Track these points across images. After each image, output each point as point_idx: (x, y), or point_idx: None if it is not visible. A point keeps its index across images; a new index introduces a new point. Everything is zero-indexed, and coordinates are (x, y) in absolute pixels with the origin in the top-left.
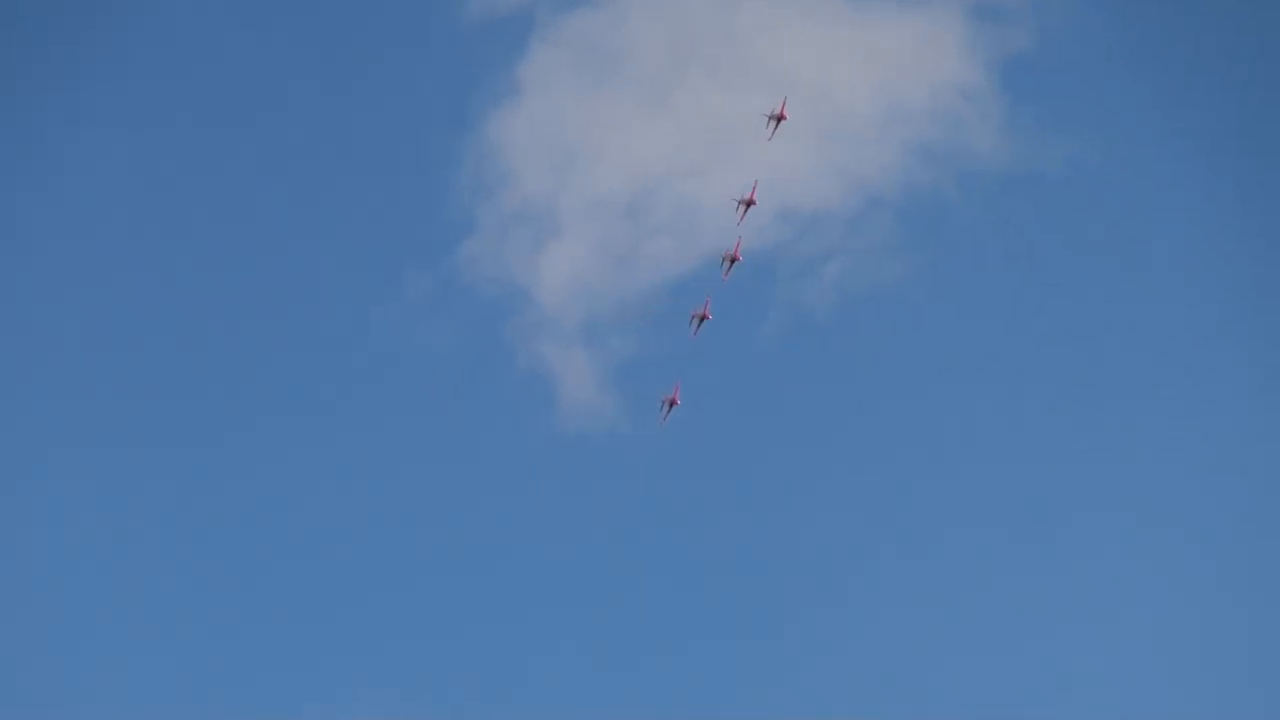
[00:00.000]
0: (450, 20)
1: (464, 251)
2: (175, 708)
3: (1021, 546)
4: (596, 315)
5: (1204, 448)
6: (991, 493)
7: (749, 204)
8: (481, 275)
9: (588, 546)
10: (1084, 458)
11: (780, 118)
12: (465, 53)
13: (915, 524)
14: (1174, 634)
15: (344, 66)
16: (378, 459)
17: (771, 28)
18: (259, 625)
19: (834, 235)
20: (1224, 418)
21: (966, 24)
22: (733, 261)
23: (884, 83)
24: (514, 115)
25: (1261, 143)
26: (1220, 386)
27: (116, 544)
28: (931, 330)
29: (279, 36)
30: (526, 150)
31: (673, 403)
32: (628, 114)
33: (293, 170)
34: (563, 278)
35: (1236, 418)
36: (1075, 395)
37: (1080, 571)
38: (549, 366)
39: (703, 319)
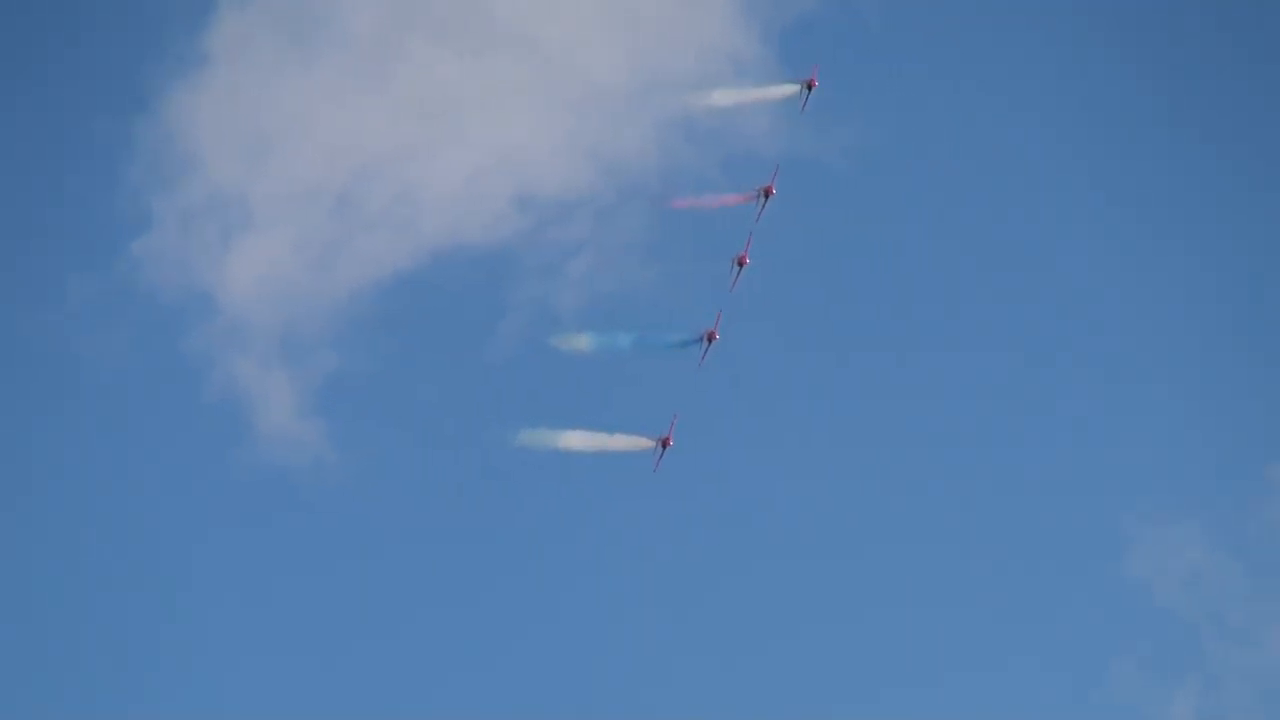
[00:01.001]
0: None
1: (138, 251)
2: None
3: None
4: (298, 324)
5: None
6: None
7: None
8: (160, 279)
9: (288, 592)
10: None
11: (811, 85)
12: (138, 17)
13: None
14: None
15: None
16: (33, 495)
17: None
18: None
19: (582, 226)
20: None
21: None
22: (710, 340)
23: (643, 50)
24: (198, 91)
25: (1061, 131)
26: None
27: None
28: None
29: None
30: (213, 132)
31: (666, 443)
32: (336, 88)
33: None
34: (257, 281)
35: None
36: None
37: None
38: (241, 385)
39: (710, 339)
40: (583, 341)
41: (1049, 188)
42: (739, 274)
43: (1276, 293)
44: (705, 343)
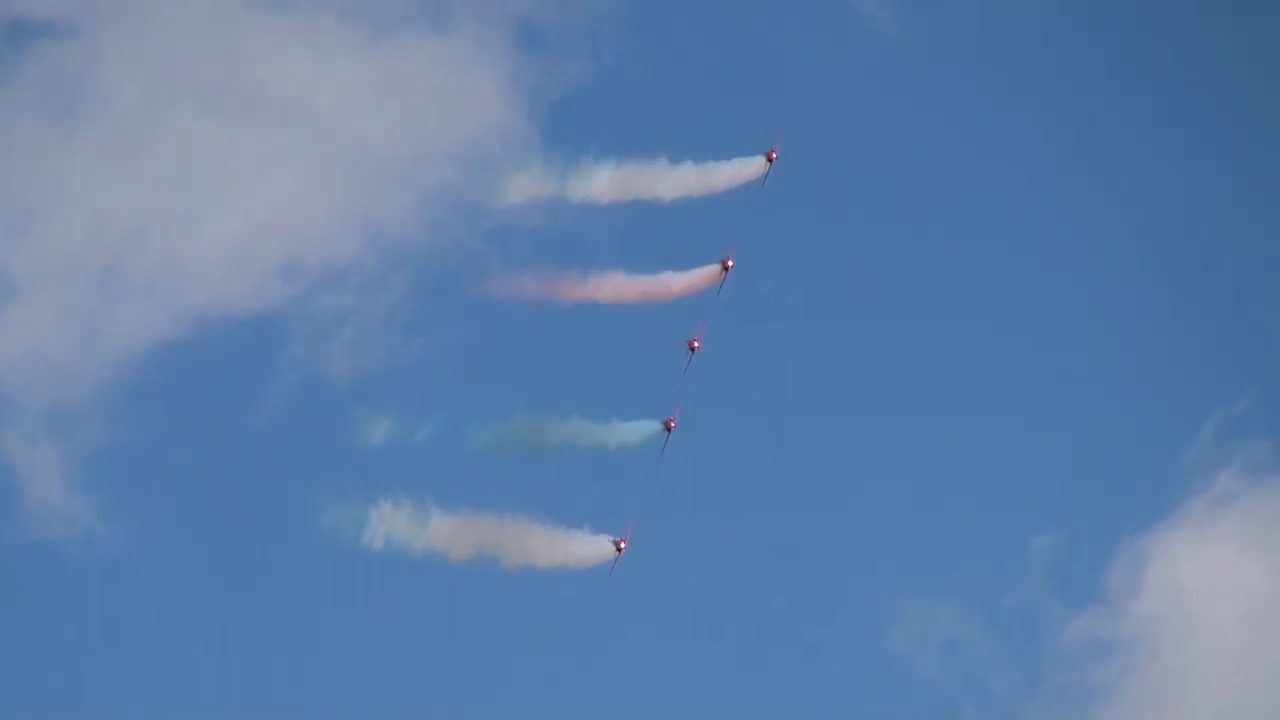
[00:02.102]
0: None
1: None
2: None
3: None
4: (64, 397)
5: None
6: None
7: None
8: None
9: (61, 668)
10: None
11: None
12: None
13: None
14: None
15: None
16: None
17: (279, 57)
18: None
19: (350, 296)
20: None
21: (511, 54)
22: (669, 430)
23: (411, 120)
24: None
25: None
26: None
27: None
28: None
29: None
30: None
31: (620, 545)
32: (100, 159)
33: None
34: (21, 354)
35: None
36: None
37: None
38: (7, 460)
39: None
40: (381, 428)
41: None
42: (690, 359)
43: (1044, 359)
44: (666, 431)
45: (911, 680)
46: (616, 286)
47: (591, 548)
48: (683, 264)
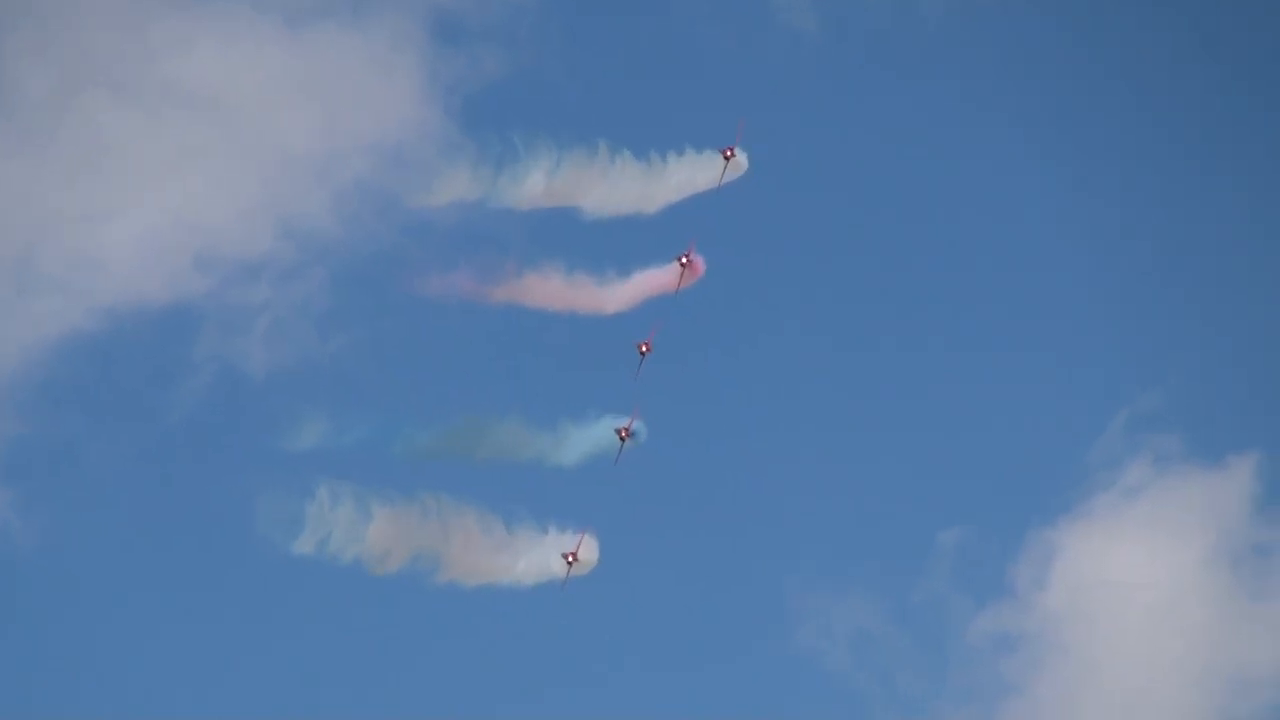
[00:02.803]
0: None
1: None
2: None
3: None
4: None
5: None
6: None
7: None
8: None
9: None
10: None
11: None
12: None
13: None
14: None
15: None
16: None
17: (193, 48)
18: None
19: (263, 291)
20: None
21: (429, 47)
22: (625, 437)
23: (328, 114)
24: None
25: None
26: None
27: None
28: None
29: None
30: None
31: (571, 558)
32: (8, 151)
33: None
34: None
35: None
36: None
37: None
38: None
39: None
40: (312, 429)
41: None
42: (643, 362)
43: (955, 354)
44: (620, 440)
45: (822, 675)
46: (552, 289)
47: (538, 560)
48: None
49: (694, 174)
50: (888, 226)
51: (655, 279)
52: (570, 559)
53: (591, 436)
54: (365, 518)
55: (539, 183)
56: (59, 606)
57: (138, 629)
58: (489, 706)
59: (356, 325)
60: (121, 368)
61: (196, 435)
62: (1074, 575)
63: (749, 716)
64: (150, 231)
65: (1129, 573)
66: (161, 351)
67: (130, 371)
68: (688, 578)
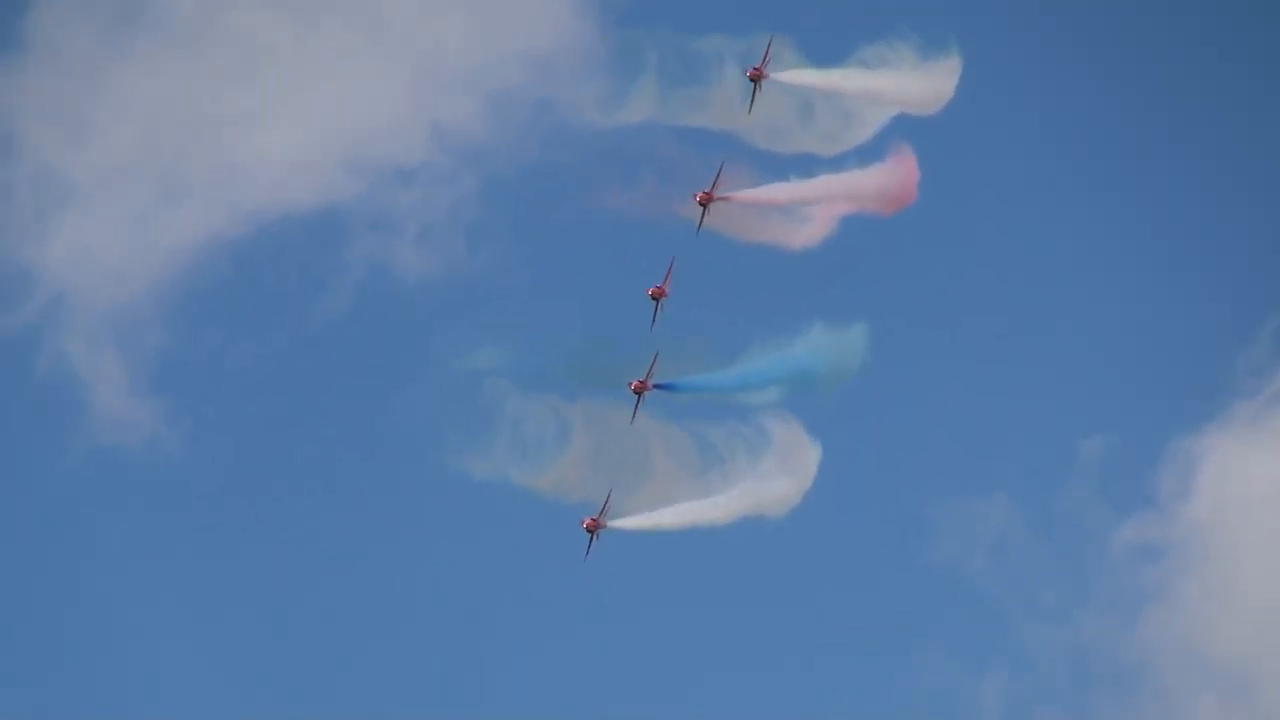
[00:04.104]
0: None
1: None
2: None
3: None
4: (125, 300)
5: None
6: None
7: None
8: None
9: (131, 577)
10: None
11: (759, 76)
12: None
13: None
14: None
15: None
16: None
17: None
18: None
19: (415, 195)
20: None
21: None
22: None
23: (479, 19)
24: (15, 73)
25: None
26: None
27: None
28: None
29: None
30: (31, 112)
31: (593, 525)
32: (160, 62)
33: None
34: (81, 258)
35: None
36: None
37: None
38: (71, 365)
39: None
40: (469, 345)
41: None
42: (658, 308)
43: (1099, 258)
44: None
45: (960, 584)
46: (752, 199)
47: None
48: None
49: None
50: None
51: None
52: (593, 525)
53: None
54: (543, 438)
55: (697, 98)
56: (209, 517)
57: (287, 538)
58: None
59: (505, 236)
60: (270, 274)
61: (344, 342)
62: (1217, 484)
63: (890, 627)
64: (300, 137)
65: (1272, 482)
66: (309, 257)
67: (277, 278)
68: (833, 490)
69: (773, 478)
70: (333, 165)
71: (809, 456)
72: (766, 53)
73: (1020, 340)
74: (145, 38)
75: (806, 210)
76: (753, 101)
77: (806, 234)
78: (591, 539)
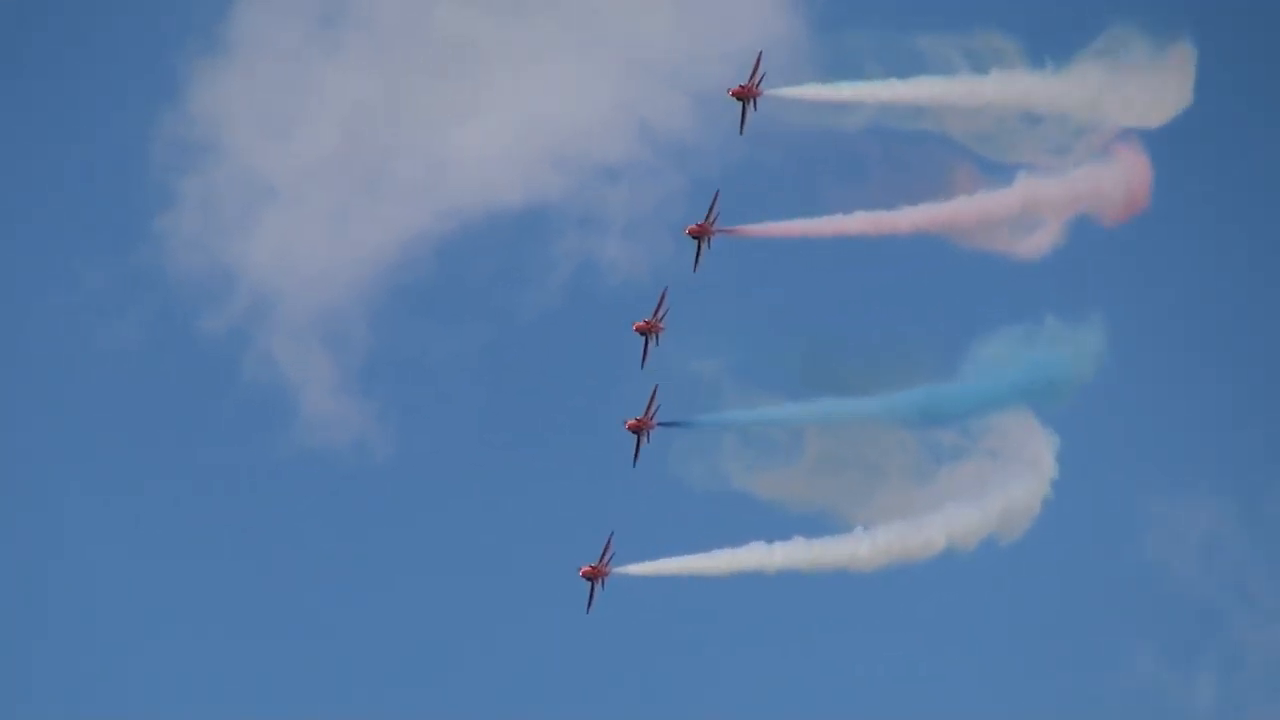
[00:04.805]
0: None
1: (161, 230)
2: None
3: None
4: (330, 298)
5: None
6: None
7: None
8: (183, 258)
9: (343, 575)
10: None
11: (746, 94)
12: (165, 3)
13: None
14: None
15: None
16: (56, 486)
17: None
18: None
19: (620, 196)
20: None
21: None
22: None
23: (683, 16)
24: (223, 73)
25: None
26: None
27: None
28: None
29: None
30: (237, 112)
31: (594, 573)
32: (364, 59)
33: None
34: (285, 259)
35: None
36: None
37: None
38: (277, 364)
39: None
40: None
41: None
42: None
43: None
44: (591, 584)
45: (1170, 583)
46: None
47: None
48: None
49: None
50: None
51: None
52: (596, 574)
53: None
54: (765, 444)
55: (900, 94)
56: (416, 515)
57: (492, 537)
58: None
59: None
60: (475, 271)
61: (551, 339)
62: None
63: (1099, 625)
64: (506, 134)
65: None
66: (516, 254)
67: (483, 275)
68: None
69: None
70: (539, 162)
71: (1045, 457)
72: (756, 68)
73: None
74: (348, 37)
75: (1035, 217)
76: (744, 121)
77: (1034, 242)
78: (593, 588)
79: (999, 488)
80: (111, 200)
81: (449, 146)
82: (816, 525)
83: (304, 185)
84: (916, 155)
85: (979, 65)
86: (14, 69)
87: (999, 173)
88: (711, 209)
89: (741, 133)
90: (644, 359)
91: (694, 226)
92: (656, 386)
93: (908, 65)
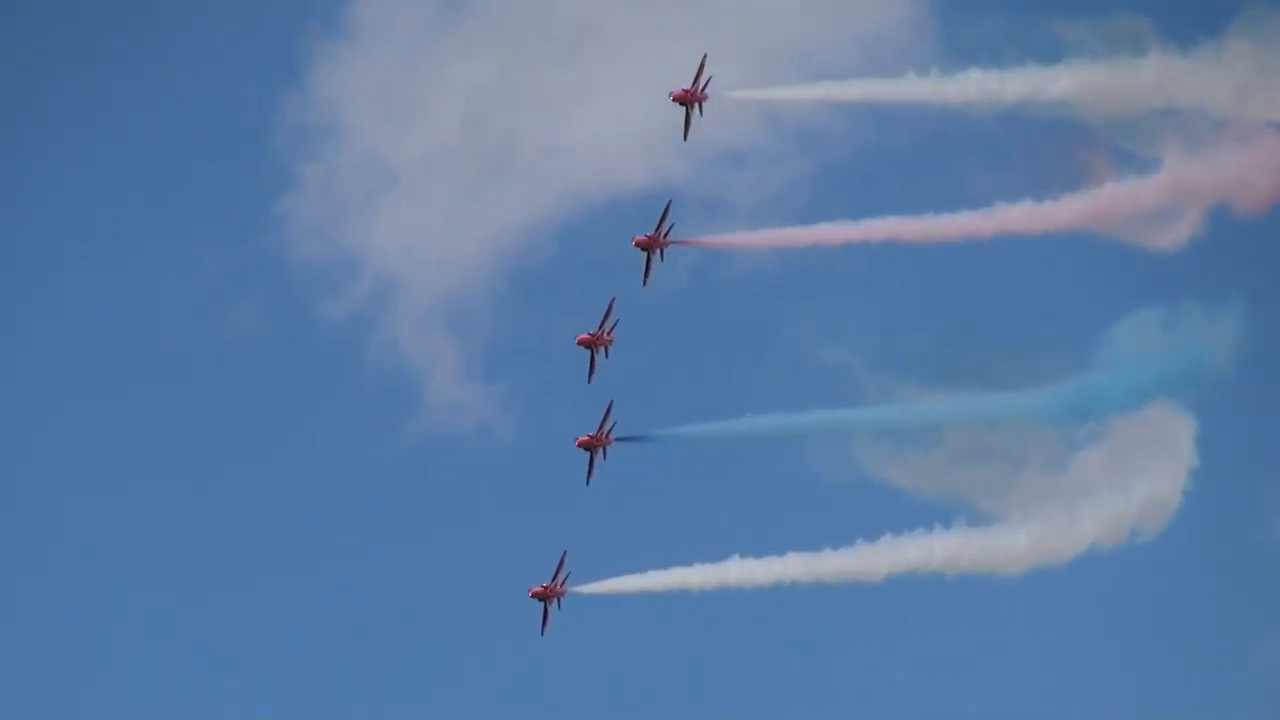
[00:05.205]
0: None
1: (282, 217)
2: None
3: None
4: (452, 281)
5: None
6: None
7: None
8: (306, 243)
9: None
10: None
11: (690, 98)
12: None
13: None
14: None
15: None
16: (192, 479)
17: None
18: None
19: (744, 181)
20: None
21: None
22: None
23: (810, 4)
24: (344, 58)
25: None
26: None
27: None
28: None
29: None
30: (359, 97)
31: (547, 594)
32: (485, 44)
33: (78, 121)
34: (407, 244)
35: None
36: None
37: None
38: (400, 349)
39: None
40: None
41: None
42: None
43: None
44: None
45: None
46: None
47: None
48: None
49: None
50: None
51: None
52: (549, 594)
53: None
54: (901, 428)
55: (1036, 81)
56: (539, 498)
57: (619, 521)
58: None
59: (838, 220)
60: (598, 255)
61: (675, 324)
62: None
63: (1240, 616)
64: (628, 117)
65: None
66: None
67: (606, 259)
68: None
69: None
70: (662, 145)
71: (1184, 445)
72: (700, 72)
73: None
74: (469, 21)
75: (1173, 208)
76: (688, 126)
77: (1173, 232)
78: (546, 608)
79: (1139, 478)
80: (232, 185)
81: (570, 131)
82: (952, 517)
83: (426, 170)
84: (1053, 143)
85: (1114, 49)
86: (136, 53)
87: (1136, 163)
88: (663, 220)
89: (685, 138)
90: (590, 373)
91: (642, 238)
92: (612, 402)
93: (1037, 50)
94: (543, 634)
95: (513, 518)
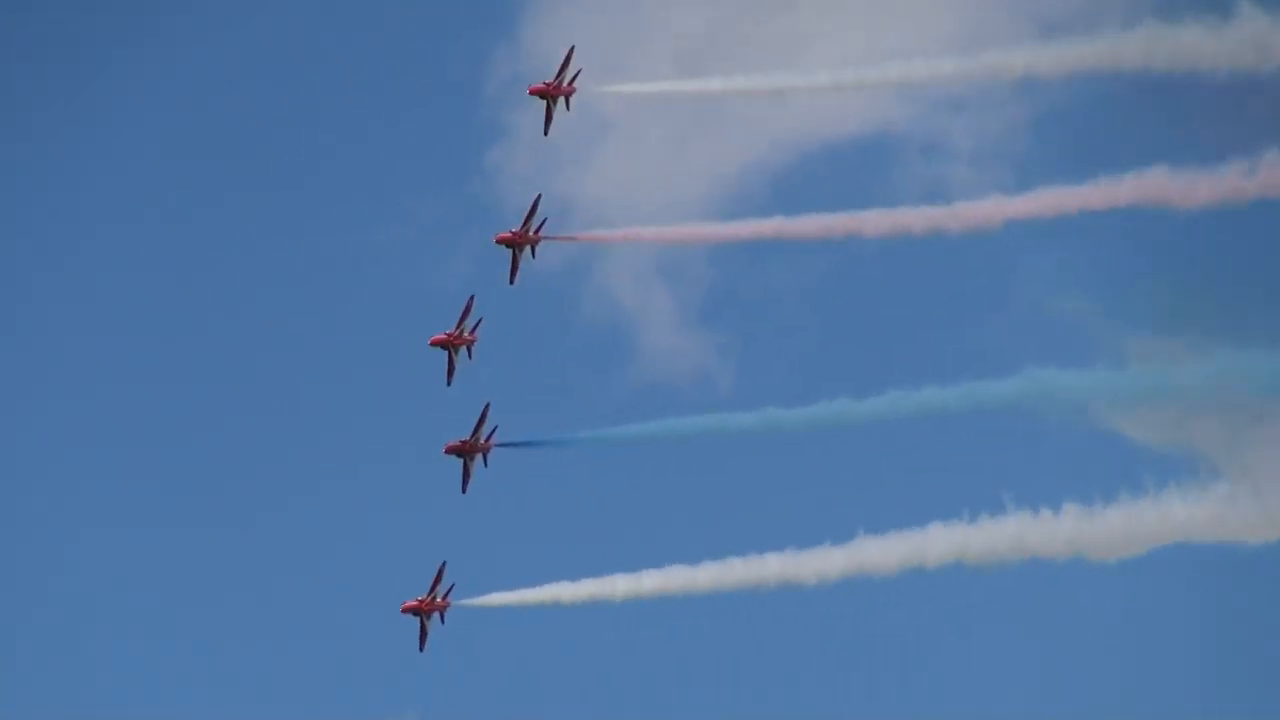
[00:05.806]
0: None
1: (494, 167)
2: None
3: None
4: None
5: None
6: None
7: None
8: (519, 195)
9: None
10: None
11: (552, 92)
12: None
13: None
14: None
15: None
16: (396, 435)
17: None
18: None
19: (965, 125)
20: None
21: None
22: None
23: None
24: (554, 8)
25: None
26: None
27: None
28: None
29: None
30: (573, 42)
31: (425, 606)
32: None
33: (292, 72)
34: (622, 192)
35: None
36: None
37: None
38: (617, 298)
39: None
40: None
41: None
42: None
43: None
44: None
45: None
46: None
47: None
48: None
49: None
50: None
51: None
52: (427, 607)
53: None
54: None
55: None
56: (760, 452)
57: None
58: None
59: (1056, 167)
60: (815, 201)
61: (894, 271)
62: None
63: None
64: (846, 62)
65: None
66: (858, 183)
67: (823, 205)
68: None
69: None
70: (880, 92)
71: None
72: (565, 65)
73: None
74: None
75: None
76: (549, 122)
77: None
78: (423, 623)
79: None
80: (444, 134)
81: (786, 77)
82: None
83: (639, 119)
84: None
85: None
86: (349, 5)
87: None
88: (530, 215)
89: (546, 133)
90: (449, 377)
91: (506, 234)
92: (488, 404)
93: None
94: (421, 650)
95: (732, 464)
